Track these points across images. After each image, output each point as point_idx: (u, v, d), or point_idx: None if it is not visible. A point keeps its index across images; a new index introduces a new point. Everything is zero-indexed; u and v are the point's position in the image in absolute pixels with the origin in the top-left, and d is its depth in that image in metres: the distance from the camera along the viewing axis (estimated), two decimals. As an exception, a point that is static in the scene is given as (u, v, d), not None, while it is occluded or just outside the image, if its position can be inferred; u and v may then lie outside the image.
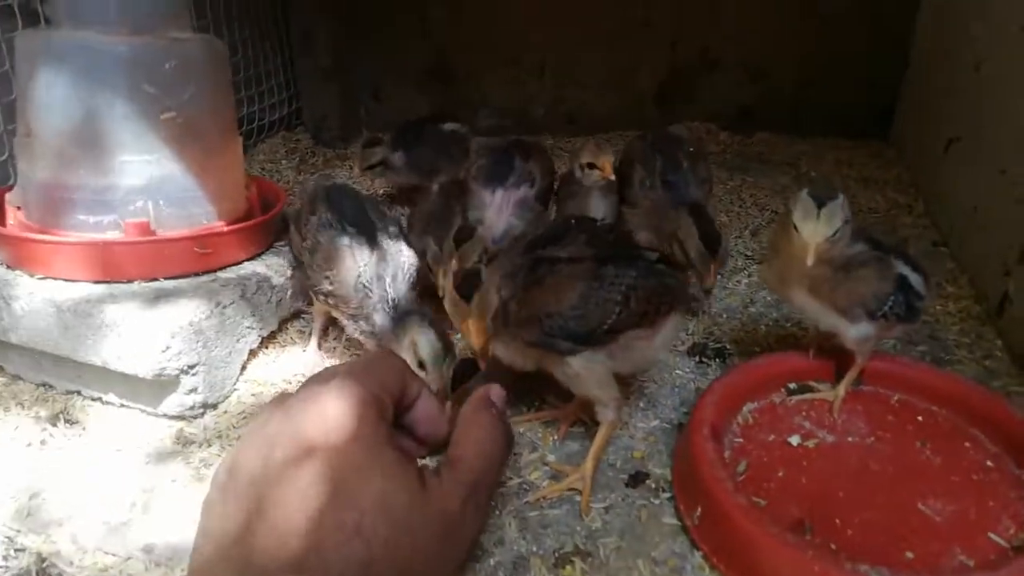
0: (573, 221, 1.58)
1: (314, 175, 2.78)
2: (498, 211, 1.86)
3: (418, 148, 2.36)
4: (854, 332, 1.35)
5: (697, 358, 1.67)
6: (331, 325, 1.71)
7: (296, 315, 1.79)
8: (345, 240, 1.50)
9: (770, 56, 2.98)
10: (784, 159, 2.85)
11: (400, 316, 1.43)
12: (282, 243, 1.82)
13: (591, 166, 1.85)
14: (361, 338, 1.52)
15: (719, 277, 1.99)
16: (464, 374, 1.35)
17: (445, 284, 1.16)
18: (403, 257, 1.53)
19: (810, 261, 1.22)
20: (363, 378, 0.87)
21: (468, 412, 0.94)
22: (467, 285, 1.12)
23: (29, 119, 1.53)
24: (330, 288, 1.51)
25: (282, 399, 0.88)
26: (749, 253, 2.13)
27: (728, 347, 1.70)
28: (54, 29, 1.52)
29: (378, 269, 1.48)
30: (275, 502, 0.74)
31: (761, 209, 2.38)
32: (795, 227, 1.24)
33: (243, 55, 2.73)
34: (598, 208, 1.89)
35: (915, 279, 1.32)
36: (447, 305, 1.13)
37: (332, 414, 0.80)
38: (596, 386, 1.25)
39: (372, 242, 1.51)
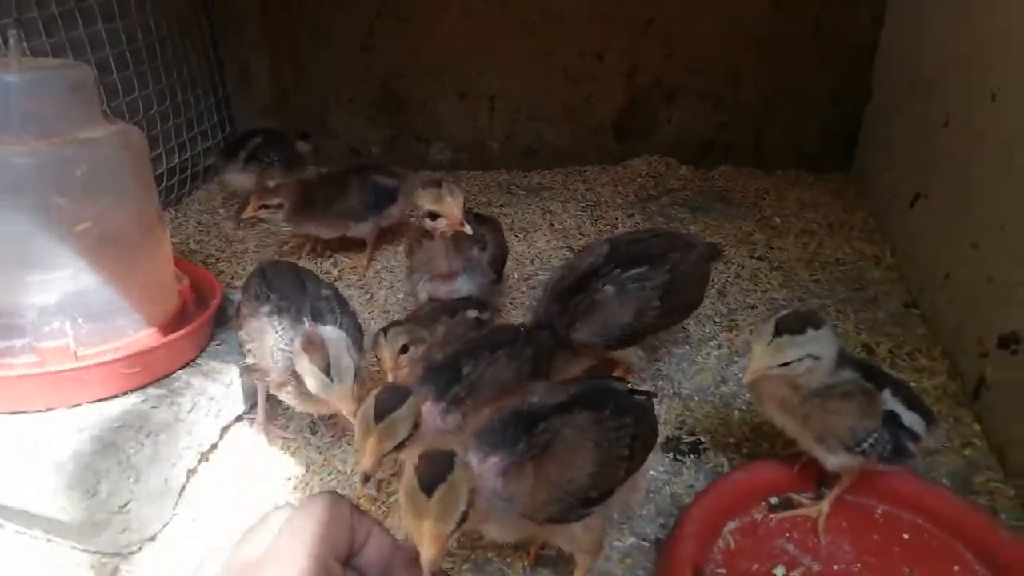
0: (519, 331, 1.53)
1: (255, 225, 2.61)
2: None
3: None
4: (832, 461, 1.29)
5: (671, 455, 1.59)
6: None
7: (238, 419, 1.65)
8: (265, 308, 1.45)
9: (729, 87, 2.89)
10: (747, 197, 2.76)
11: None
12: (218, 342, 1.68)
13: (432, 215, 1.64)
14: (298, 404, 1.46)
15: (688, 348, 1.92)
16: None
17: (405, 470, 0.96)
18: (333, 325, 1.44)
19: (746, 379, 1.27)
20: (306, 549, 0.77)
21: None
22: (434, 473, 0.90)
23: (-79, 235, 1.36)
24: (253, 361, 1.46)
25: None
26: (717, 319, 2.04)
27: (702, 440, 1.62)
28: (-54, 135, 1.34)
29: (295, 332, 1.40)
30: None
31: (727, 263, 2.29)
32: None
33: (172, 101, 2.54)
34: (445, 262, 1.74)
35: (910, 418, 1.25)
36: (401, 495, 0.91)
37: None
38: (593, 543, 1.18)
39: (296, 307, 1.44)
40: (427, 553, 0.86)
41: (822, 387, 1.25)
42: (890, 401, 1.26)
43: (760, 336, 1.22)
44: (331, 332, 1.37)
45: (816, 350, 1.21)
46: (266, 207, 2.17)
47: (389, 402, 1.15)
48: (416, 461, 0.94)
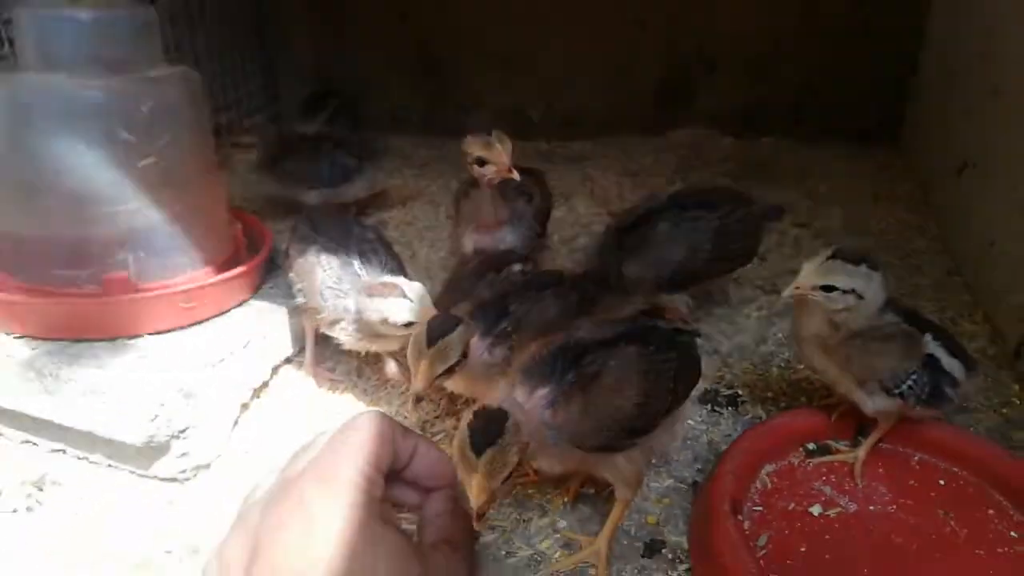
0: (564, 275, 1.56)
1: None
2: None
3: None
4: (870, 405, 1.30)
5: (709, 406, 1.60)
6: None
7: (287, 360, 1.70)
8: (313, 249, 1.49)
9: (771, 58, 2.88)
10: (790, 169, 2.76)
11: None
12: (269, 286, 1.73)
13: (481, 162, 1.65)
14: (349, 342, 1.49)
15: (727, 309, 1.93)
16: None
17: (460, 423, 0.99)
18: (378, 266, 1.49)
19: (785, 293, 1.27)
20: (344, 460, 0.83)
21: (451, 505, 0.97)
22: (486, 435, 0.96)
23: (-5, 167, 1.43)
24: (303, 300, 1.50)
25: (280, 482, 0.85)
26: (758, 281, 2.05)
27: (740, 393, 1.64)
28: (21, 71, 1.40)
29: (344, 272, 1.45)
30: None
31: (768, 230, 2.29)
32: None
33: (220, 61, 2.61)
34: (491, 211, 1.74)
35: (950, 363, 1.26)
36: (455, 446, 0.97)
37: (321, 520, 0.78)
38: (636, 475, 1.20)
39: (343, 249, 1.48)
40: (476, 501, 0.96)
41: (864, 329, 1.26)
42: (931, 345, 1.27)
43: (816, 256, 1.24)
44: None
45: (862, 288, 1.22)
46: (237, 145, 2.13)
47: (441, 328, 1.20)
48: (471, 418, 0.99)
